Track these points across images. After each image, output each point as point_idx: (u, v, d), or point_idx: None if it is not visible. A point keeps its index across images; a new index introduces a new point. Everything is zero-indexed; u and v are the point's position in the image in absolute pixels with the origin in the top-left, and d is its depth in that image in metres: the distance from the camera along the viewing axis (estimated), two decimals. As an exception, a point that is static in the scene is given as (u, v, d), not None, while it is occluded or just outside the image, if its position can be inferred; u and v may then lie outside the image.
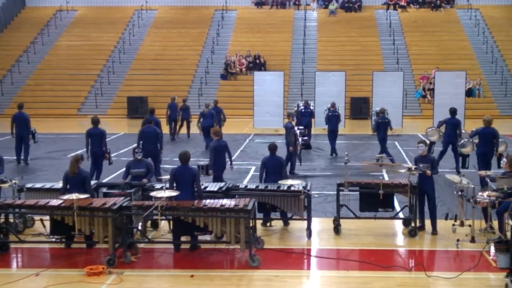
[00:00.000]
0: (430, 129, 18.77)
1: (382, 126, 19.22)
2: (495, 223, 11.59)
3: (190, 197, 10.82)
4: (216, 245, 11.06)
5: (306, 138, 20.80)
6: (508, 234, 10.01)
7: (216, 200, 10.77)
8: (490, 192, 11.52)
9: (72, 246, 11.24)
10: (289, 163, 17.35)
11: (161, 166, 16.55)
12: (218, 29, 39.73)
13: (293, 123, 18.24)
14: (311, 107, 23.63)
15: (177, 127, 24.96)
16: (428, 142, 15.65)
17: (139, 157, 13.10)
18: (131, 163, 13.22)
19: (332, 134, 20.72)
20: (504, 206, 11.05)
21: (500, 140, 15.81)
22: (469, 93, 31.42)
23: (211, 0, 42.58)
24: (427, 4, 41.97)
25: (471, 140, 16.71)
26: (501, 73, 34.37)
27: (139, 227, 11.35)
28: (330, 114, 20.89)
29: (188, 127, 24.89)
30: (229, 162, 14.49)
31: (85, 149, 15.92)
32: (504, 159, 11.88)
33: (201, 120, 22.30)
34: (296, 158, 17.90)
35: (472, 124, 24.31)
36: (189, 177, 10.89)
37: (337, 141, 20.95)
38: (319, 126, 26.31)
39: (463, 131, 18.02)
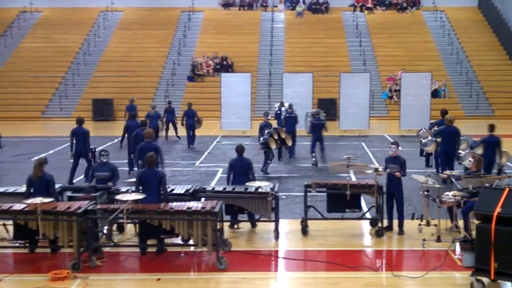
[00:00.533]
0: (422, 131, 18.41)
1: (317, 128, 19.45)
2: (461, 223, 11.72)
3: (156, 200, 10.73)
4: (183, 248, 10.98)
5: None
6: (473, 233, 10.12)
7: (182, 203, 10.70)
8: (455, 192, 11.65)
9: (36, 251, 11.04)
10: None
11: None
12: (184, 31, 39.55)
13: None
14: (296, 112, 23.09)
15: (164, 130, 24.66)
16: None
17: (104, 160, 12.94)
18: (96, 166, 13.06)
19: (291, 136, 20.68)
20: (469, 205, 11.19)
21: (461, 138, 16.22)
22: (435, 94, 31.80)
23: (178, 1, 42.32)
24: (394, 6, 42.37)
25: (434, 139, 16.96)
26: (466, 74, 34.87)
27: (105, 231, 11.21)
28: (287, 115, 20.92)
29: (175, 128, 24.66)
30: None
31: (51, 151, 15.78)
32: (471, 159, 12.01)
33: (148, 121, 21.98)
34: (270, 157, 18.04)
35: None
36: (155, 180, 10.80)
37: (303, 142, 20.94)
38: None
39: (423, 130, 18.37)
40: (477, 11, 41.95)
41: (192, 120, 22.98)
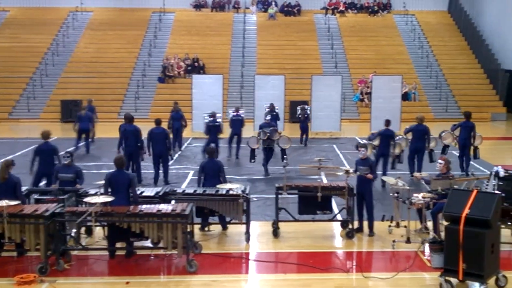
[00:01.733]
0: (444, 133, 18.67)
1: (213, 130, 19.59)
2: (430, 224, 11.82)
3: (126, 202, 10.61)
4: (153, 251, 10.88)
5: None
6: (442, 234, 10.19)
7: (152, 205, 10.60)
8: (424, 193, 11.75)
9: (2, 255, 10.79)
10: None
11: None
12: (155, 32, 39.28)
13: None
14: (277, 110, 23.42)
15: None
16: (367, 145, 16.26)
17: (66, 162, 12.77)
18: (59, 168, 12.90)
19: (235, 138, 20.83)
20: (438, 207, 11.28)
21: (431, 137, 17.37)
22: (405, 97, 32.04)
23: (149, 2, 42.06)
24: (365, 10, 42.64)
25: (405, 137, 17.83)
26: (436, 78, 35.22)
27: (73, 234, 11.04)
28: (234, 118, 20.98)
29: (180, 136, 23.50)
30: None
31: (18, 153, 15.47)
32: (441, 161, 12.12)
33: (77, 123, 21.64)
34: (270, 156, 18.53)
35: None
36: (124, 182, 10.69)
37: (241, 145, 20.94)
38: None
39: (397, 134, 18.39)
40: (447, 15, 42.44)
41: (179, 124, 22.12)
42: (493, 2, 39.13)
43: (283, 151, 18.56)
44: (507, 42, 36.38)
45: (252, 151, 18.78)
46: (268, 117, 20.57)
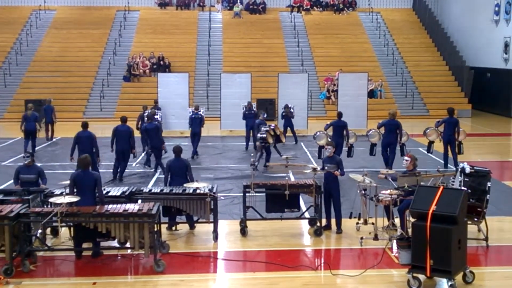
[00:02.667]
0: (429, 129, 19.34)
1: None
2: (397, 221, 11.89)
3: (92, 202, 10.50)
4: (120, 251, 10.76)
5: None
6: (410, 231, 10.26)
7: (119, 205, 10.49)
8: (391, 190, 11.82)
9: (-35, 257, 10.61)
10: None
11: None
12: (120, 30, 38.89)
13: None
14: (255, 109, 23.37)
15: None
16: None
17: (26, 162, 12.57)
18: (21, 168, 12.68)
19: (194, 137, 20.75)
20: (405, 204, 11.36)
21: (403, 131, 18.22)
22: (371, 94, 32.27)
23: (113, 0, 41.64)
24: (330, 7, 42.82)
25: (378, 131, 18.94)
26: (401, 75, 35.54)
27: (38, 235, 10.90)
28: (193, 116, 20.94)
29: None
30: None
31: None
32: (407, 158, 12.20)
33: (23, 124, 21.14)
34: (268, 152, 18.80)
35: (374, 124, 24.99)
36: (90, 182, 10.56)
37: (200, 143, 21.00)
38: (225, 128, 26.53)
39: (350, 132, 18.91)
40: (412, 13, 42.88)
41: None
42: None
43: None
44: (471, 39, 36.95)
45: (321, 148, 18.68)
46: (265, 115, 20.99)
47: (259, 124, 19.41)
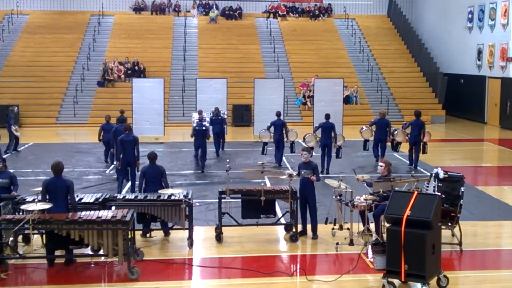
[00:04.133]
0: (397, 131, 20.36)
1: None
2: (372, 226, 11.93)
3: (64, 209, 10.36)
4: (93, 258, 10.62)
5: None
6: (384, 236, 10.28)
7: (92, 212, 10.36)
8: (366, 196, 11.85)
9: None
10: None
11: None
12: (94, 35, 38.58)
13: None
14: (222, 114, 23.20)
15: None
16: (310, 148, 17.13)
17: None
18: None
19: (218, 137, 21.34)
20: (380, 209, 11.40)
21: (392, 129, 20.14)
22: (347, 100, 32.39)
23: (87, 5, 41.29)
24: (306, 14, 42.97)
25: (370, 128, 20.68)
26: (377, 81, 35.75)
27: (9, 242, 10.68)
28: (213, 118, 21.31)
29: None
30: None
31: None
32: (381, 164, 12.26)
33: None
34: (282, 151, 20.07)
35: (350, 130, 25.19)
36: (63, 188, 10.42)
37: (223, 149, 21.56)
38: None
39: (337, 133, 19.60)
40: (387, 19, 43.20)
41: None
42: (431, 6, 40.09)
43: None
44: (445, 46, 37.33)
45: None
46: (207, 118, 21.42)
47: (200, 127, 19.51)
